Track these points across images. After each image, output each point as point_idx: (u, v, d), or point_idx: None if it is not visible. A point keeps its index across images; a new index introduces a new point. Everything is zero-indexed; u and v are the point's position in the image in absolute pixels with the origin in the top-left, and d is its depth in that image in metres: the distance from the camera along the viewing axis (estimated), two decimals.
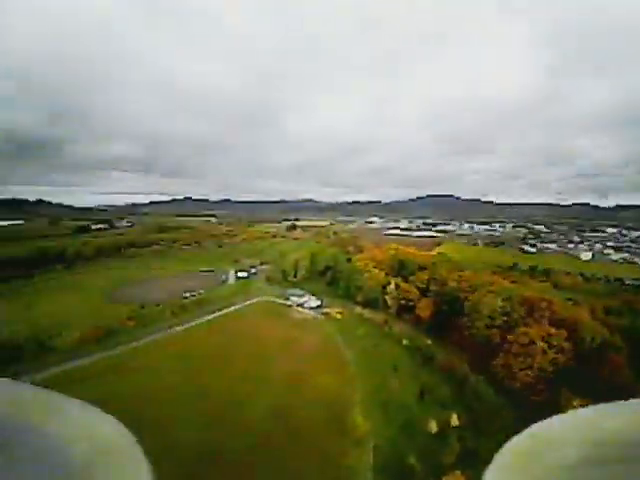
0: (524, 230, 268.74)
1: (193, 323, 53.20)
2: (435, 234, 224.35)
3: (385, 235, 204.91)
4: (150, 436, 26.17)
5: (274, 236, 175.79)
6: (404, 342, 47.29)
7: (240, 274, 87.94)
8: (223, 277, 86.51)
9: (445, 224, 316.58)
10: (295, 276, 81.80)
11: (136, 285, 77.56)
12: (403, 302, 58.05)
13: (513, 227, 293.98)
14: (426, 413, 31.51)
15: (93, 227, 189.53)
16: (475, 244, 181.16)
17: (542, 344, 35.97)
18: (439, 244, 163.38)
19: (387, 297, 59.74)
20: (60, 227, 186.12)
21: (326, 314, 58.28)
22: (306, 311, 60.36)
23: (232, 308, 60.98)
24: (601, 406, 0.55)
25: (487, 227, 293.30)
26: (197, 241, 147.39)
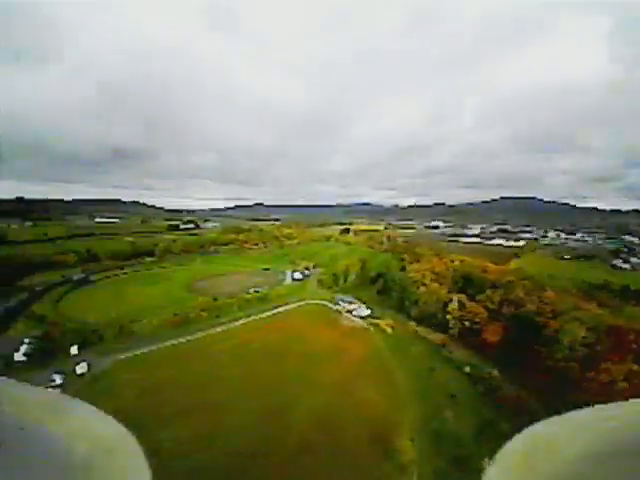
0: (617, 242, 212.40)
1: (253, 318, 58.61)
2: (513, 243, 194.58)
3: (450, 242, 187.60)
4: (201, 421, 30.63)
5: (328, 239, 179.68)
6: (466, 369, 42.17)
7: (296, 275, 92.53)
8: (281, 276, 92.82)
9: (524, 231, 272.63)
10: (345, 281, 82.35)
11: (212, 279, 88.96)
12: (467, 323, 51.07)
13: (606, 238, 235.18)
14: (483, 450, 28.46)
15: (181, 227, 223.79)
16: (562, 257, 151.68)
17: (623, 384, 29.70)
18: (517, 255, 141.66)
19: (448, 316, 53.20)
20: (151, 226, 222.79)
21: (376, 325, 56.45)
22: (355, 319, 59.68)
23: (287, 307, 65.02)
24: (601, 407, 0.55)
25: (574, 236, 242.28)
26: (263, 242, 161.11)
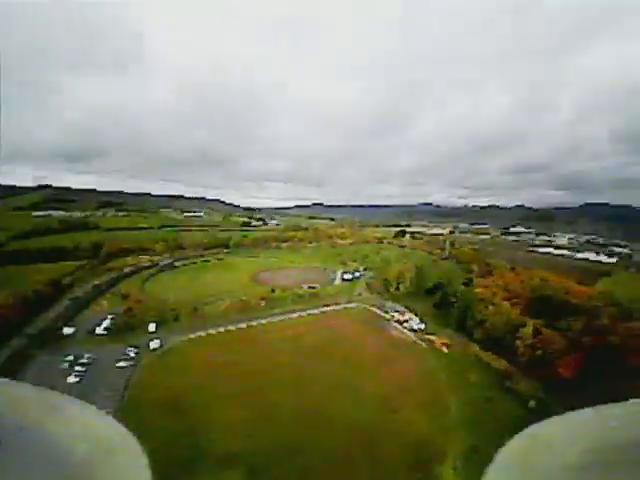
0: None
1: (304, 313, 63.45)
2: (604, 258, 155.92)
3: (530, 252, 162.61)
4: (251, 405, 34.88)
5: (381, 241, 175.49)
6: (530, 403, 37.71)
7: (346, 276, 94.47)
8: (332, 276, 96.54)
9: (618, 245, 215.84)
10: (397, 288, 79.11)
11: (271, 272, 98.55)
12: (540, 352, 43.95)
13: None
14: None
15: (253, 223, 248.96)
16: None
17: None
18: (607, 274, 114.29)
19: (518, 342, 46.45)
20: (229, 221, 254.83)
21: (429, 342, 52.42)
22: (406, 331, 56.70)
23: (336, 307, 67.91)
24: (601, 407, 0.58)
25: None
26: (318, 241, 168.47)
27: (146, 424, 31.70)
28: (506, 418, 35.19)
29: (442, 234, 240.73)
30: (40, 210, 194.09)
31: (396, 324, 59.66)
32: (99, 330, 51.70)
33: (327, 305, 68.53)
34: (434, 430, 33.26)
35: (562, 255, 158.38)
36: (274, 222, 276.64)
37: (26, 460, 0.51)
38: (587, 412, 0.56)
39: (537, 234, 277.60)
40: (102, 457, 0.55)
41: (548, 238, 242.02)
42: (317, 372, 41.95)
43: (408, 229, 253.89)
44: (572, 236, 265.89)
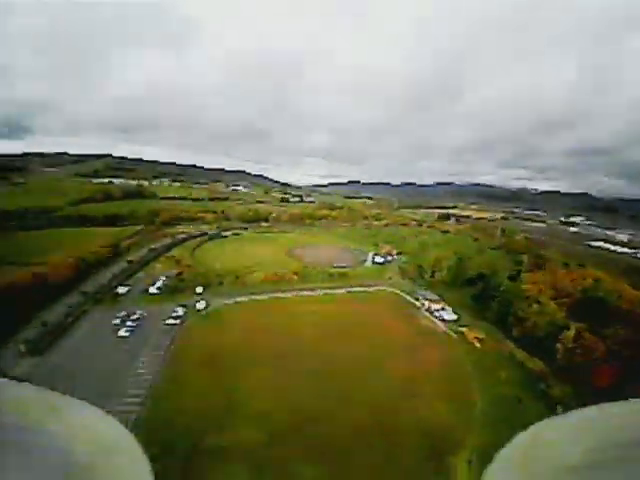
0: None
1: (333, 292, 64.73)
2: None
3: (587, 246, 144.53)
4: (277, 367, 37.52)
5: (420, 224, 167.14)
6: (558, 409, 34.99)
7: (377, 259, 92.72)
8: (363, 257, 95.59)
9: None
10: (432, 276, 75.35)
11: (305, 248, 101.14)
12: (579, 359, 41.12)
13: None
14: None
15: (290, 200, 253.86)
16: None
17: None
18: None
19: (559, 345, 43.77)
20: (270, 196, 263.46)
21: (461, 334, 50.35)
22: (436, 320, 55.00)
23: (365, 289, 67.94)
24: (602, 406, 0.56)
25: None
26: (352, 220, 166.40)
27: (187, 376, 36.23)
28: (532, 420, 33.13)
29: (493, 219, 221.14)
30: (100, 178, 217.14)
31: (426, 312, 57.82)
32: (152, 290, 57.76)
33: (356, 286, 68.84)
34: (454, 421, 32.80)
35: (621, 253, 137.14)
36: (310, 199, 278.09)
37: (26, 460, 0.51)
38: (588, 411, 0.56)
39: (598, 227, 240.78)
40: (102, 457, 0.55)
41: (609, 232, 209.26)
42: (340, 348, 43.59)
43: (453, 212, 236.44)
44: (635, 232, 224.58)
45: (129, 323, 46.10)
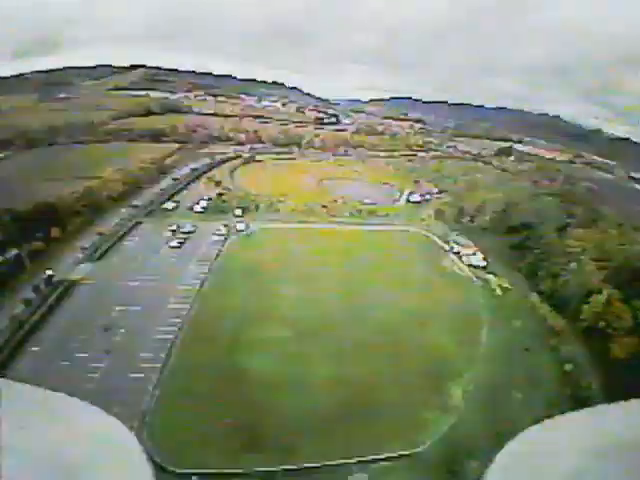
0: None
1: (358, 228, 65.21)
2: None
3: None
4: (302, 285, 42.77)
5: (476, 160, 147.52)
6: (566, 366, 35.97)
7: (412, 197, 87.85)
8: (397, 195, 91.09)
9: None
10: (472, 221, 69.61)
11: (336, 180, 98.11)
12: (602, 324, 39.86)
13: None
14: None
15: (325, 120, 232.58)
16: None
17: None
18: None
19: (585, 307, 41.98)
20: (303, 116, 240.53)
21: (484, 281, 49.65)
22: (462, 265, 54.11)
23: (393, 228, 67.37)
24: (601, 407, 0.57)
25: None
26: (393, 150, 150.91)
27: (230, 284, 43.68)
28: (535, 369, 35.63)
29: (560, 160, 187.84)
30: (136, 90, 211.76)
31: (453, 256, 57.27)
32: (197, 208, 62.96)
33: (383, 225, 68.40)
34: (457, 353, 36.34)
35: None
36: (347, 122, 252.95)
37: (26, 460, 0.51)
38: (588, 412, 0.56)
39: None
40: (102, 457, 0.56)
41: None
42: (359, 276, 48.00)
43: (516, 146, 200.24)
44: None
45: (180, 235, 52.41)
